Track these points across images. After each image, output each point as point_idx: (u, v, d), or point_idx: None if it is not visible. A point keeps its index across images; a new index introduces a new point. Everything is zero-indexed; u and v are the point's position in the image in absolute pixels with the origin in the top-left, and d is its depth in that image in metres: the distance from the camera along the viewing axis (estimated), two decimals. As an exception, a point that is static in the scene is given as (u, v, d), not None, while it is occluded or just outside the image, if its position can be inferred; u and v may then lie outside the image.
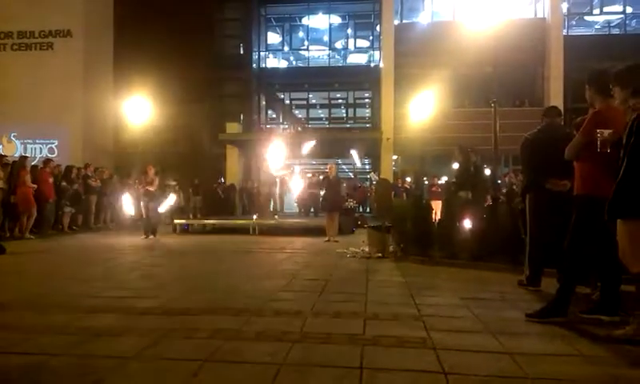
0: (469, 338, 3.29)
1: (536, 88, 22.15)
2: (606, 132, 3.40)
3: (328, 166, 11.89)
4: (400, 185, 19.47)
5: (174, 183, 18.48)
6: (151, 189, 11.06)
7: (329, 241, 10.21)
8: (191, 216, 16.11)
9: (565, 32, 21.75)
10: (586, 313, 3.77)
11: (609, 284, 3.78)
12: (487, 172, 10.80)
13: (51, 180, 11.87)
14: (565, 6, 22.27)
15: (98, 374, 2.57)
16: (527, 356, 2.88)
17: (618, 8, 22.68)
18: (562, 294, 3.72)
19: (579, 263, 3.74)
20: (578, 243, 3.72)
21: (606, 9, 22.78)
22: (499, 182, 10.86)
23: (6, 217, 10.70)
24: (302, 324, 3.57)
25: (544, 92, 21.48)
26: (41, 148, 21.23)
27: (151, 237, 10.90)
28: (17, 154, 17.79)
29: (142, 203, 11.20)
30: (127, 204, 12.11)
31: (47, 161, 12.63)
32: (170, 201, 12.40)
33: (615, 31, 22.64)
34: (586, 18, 23.35)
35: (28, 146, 21.16)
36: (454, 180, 8.31)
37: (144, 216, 11.16)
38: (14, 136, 21.22)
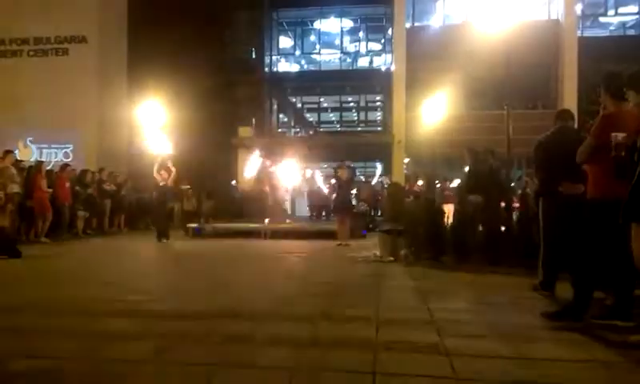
0: (482, 343, 3.27)
1: (550, 90, 21.94)
2: (620, 135, 3.37)
3: (340, 169, 11.86)
4: (408, 188, 19.42)
5: (186, 187, 18.63)
6: (165, 183, 11.06)
7: (340, 245, 10.21)
8: (203, 220, 16.19)
9: (579, 33, 21.53)
10: (598, 318, 3.72)
11: (623, 288, 3.73)
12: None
13: (68, 184, 12.02)
14: (579, 7, 22.04)
15: (111, 378, 2.60)
16: (541, 361, 2.86)
17: (633, 9, 22.40)
18: (578, 298, 3.68)
19: (594, 267, 3.69)
20: (592, 247, 3.69)
21: (620, 10, 22.51)
22: (513, 185, 10.77)
23: (22, 221, 10.86)
24: (314, 328, 3.57)
25: (558, 94, 21.28)
26: (56, 152, 21.52)
27: (164, 240, 10.96)
28: (32, 159, 18.08)
29: (154, 195, 11.21)
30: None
31: (64, 166, 12.79)
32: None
33: (630, 32, 22.36)
34: (601, 19, 23.10)
35: (44, 150, 21.47)
36: (461, 183, 8.28)
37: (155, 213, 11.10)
38: (30, 141, 21.54)
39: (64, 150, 21.52)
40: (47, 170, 11.91)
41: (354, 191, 12.11)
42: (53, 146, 21.59)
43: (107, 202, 13.90)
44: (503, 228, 7.08)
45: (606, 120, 3.75)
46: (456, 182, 17.80)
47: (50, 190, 11.20)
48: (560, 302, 4.65)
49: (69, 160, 19.01)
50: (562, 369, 2.78)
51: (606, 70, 4.19)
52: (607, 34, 22.77)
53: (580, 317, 3.64)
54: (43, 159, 16.23)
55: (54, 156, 21.18)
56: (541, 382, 2.56)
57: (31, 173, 11.12)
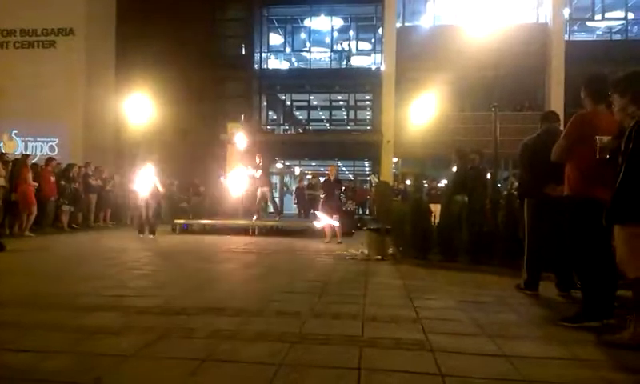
0: (466, 340, 3.30)
1: (537, 93, 22.20)
2: (605, 139, 3.44)
3: (328, 168, 11.87)
4: (395, 187, 19.51)
5: (174, 183, 18.50)
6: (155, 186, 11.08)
7: (329, 242, 10.24)
8: (191, 216, 16.11)
9: (566, 37, 21.80)
10: (567, 320, 3.73)
11: (605, 288, 3.77)
12: (488, 175, 10.83)
13: (53, 178, 11.89)
14: (567, 12, 22.33)
15: (96, 371, 2.58)
16: (524, 359, 2.90)
17: (620, 14, 22.75)
18: (587, 298, 3.70)
19: (590, 264, 3.71)
20: (578, 245, 3.75)
21: (607, 14, 22.84)
22: (499, 185, 10.89)
23: (7, 214, 10.72)
24: (300, 325, 3.58)
25: (545, 97, 21.53)
26: (42, 146, 21.28)
27: (150, 236, 10.90)
28: (17, 152, 17.85)
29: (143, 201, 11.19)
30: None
31: (50, 159, 12.65)
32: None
33: (617, 37, 22.71)
34: (588, 23, 23.41)
35: (29, 143, 21.22)
36: (447, 183, 8.38)
37: (142, 213, 11.12)
38: (14, 133, 21.27)
39: (49, 144, 21.28)
40: (32, 164, 11.76)
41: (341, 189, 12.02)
42: (38, 138, 21.34)
43: (93, 197, 13.78)
44: (488, 228, 7.14)
45: (578, 120, 3.85)
46: (443, 182, 17.97)
47: (36, 184, 11.07)
48: (543, 301, 4.72)
49: (54, 154, 18.85)
50: (545, 366, 2.82)
51: (590, 72, 4.26)
52: (594, 38, 23.08)
53: (597, 317, 3.61)
54: (28, 152, 16.04)
55: (39, 149, 20.94)
56: (524, 380, 2.60)
57: (17, 166, 10.97)
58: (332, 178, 11.09)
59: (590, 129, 3.66)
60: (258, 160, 12.63)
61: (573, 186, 3.86)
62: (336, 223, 10.66)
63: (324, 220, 10.73)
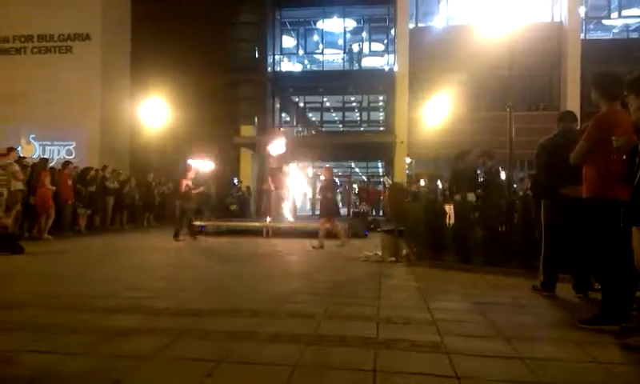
0: (482, 342, 3.28)
1: (552, 92, 21.92)
2: (622, 139, 3.39)
3: (323, 170, 11.30)
4: (409, 189, 19.42)
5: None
6: (192, 191, 11.09)
7: (315, 247, 9.66)
8: (206, 218, 16.21)
9: (582, 36, 21.51)
10: (586, 323, 3.69)
11: (623, 290, 3.73)
12: (503, 176, 10.75)
13: (70, 182, 12.08)
14: (582, 10, 22.02)
15: (115, 374, 2.62)
16: (540, 361, 2.87)
17: (637, 12, 22.37)
18: (608, 300, 3.65)
19: (610, 265, 3.67)
20: (597, 246, 3.71)
21: (624, 12, 22.47)
22: (515, 186, 10.78)
23: (25, 218, 10.91)
24: (315, 326, 3.60)
25: (560, 96, 21.26)
26: (59, 150, 21.60)
27: (182, 239, 10.85)
28: (35, 156, 18.14)
29: (176, 203, 11.19)
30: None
31: (66, 163, 12.84)
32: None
33: (634, 35, 22.33)
34: (604, 21, 23.06)
35: (46, 147, 21.54)
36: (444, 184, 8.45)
37: (177, 217, 11.05)
38: (32, 138, 21.61)
39: (67, 148, 21.58)
40: (50, 168, 11.96)
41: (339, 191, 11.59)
42: (55, 143, 21.65)
43: (110, 200, 13.95)
44: (504, 229, 7.08)
45: (598, 121, 3.80)
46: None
47: (54, 188, 11.26)
48: (560, 302, 4.67)
49: (71, 157, 19.09)
50: (561, 369, 2.80)
51: (598, 72, 4.19)
52: (610, 36, 22.74)
53: (617, 320, 3.56)
54: (46, 156, 16.30)
55: (56, 153, 21.25)
56: (540, 382, 2.58)
57: (35, 170, 11.17)
58: (327, 180, 10.52)
59: (610, 129, 3.60)
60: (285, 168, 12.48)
61: (593, 188, 3.81)
62: (332, 226, 10.10)
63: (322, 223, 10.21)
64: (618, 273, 3.60)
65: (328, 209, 10.32)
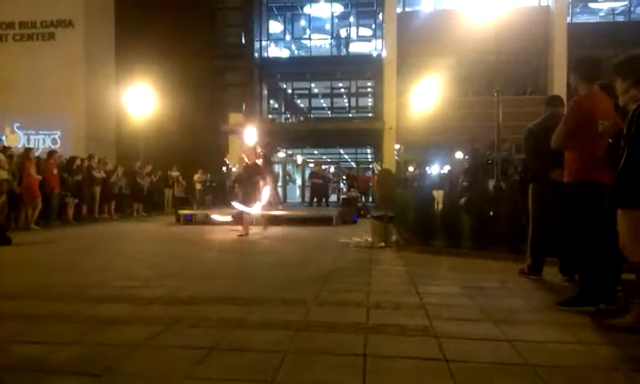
0: (470, 326, 3.33)
1: (539, 77, 22.06)
2: (607, 123, 3.43)
3: (244, 151, 10.72)
4: (404, 176, 19.50)
5: (176, 174, 18.57)
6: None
7: (245, 235, 9.30)
8: (195, 207, 16.17)
9: (569, 20, 21.60)
10: (564, 304, 3.77)
11: (608, 272, 3.80)
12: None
13: (56, 171, 11.94)
14: (569, -6, 22.11)
15: (106, 361, 2.62)
16: (528, 344, 2.92)
17: (622, -5, 22.53)
18: (585, 282, 3.73)
19: (589, 249, 3.73)
20: (578, 230, 3.76)
21: (610, -4, 22.62)
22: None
23: (12, 208, 10.78)
24: (306, 313, 3.62)
25: (548, 81, 21.40)
26: (44, 139, 21.32)
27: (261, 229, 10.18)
28: (20, 145, 17.88)
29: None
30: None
31: (52, 152, 12.68)
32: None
33: (620, 18, 22.48)
34: (591, 5, 23.19)
35: (31, 136, 21.24)
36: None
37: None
38: (17, 127, 21.29)
39: (52, 137, 21.31)
40: (36, 157, 11.80)
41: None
42: (40, 132, 21.36)
43: (97, 189, 13.83)
44: (491, 213, 7.15)
45: (576, 105, 3.83)
46: (447, 168, 17.94)
47: (40, 177, 11.12)
48: (547, 285, 4.74)
49: (57, 146, 18.86)
50: (549, 351, 2.85)
51: (578, 55, 4.23)
52: (597, 20, 22.86)
53: (592, 300, 3.65)
54: (31, 146, 16.07)
55: (41, 142, 20.98)
56: (527, 364, 2.63)
57: (20, 159, 11.02)
58: (250, 162, 9.85)
59: (588, 113, 3.65)
60: (259, 150, 12.41)
61: (573, 172, 3.86)
62: (257, 211, 9.82)
63: (242, 208, 9.82)
64: (595, 256, 3.66)
65: (247, 193, 9.84)
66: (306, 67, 25.38)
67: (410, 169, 21.74)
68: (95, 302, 3.99)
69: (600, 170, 3.60)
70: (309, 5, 25.57)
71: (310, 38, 25.95)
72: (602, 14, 23.10)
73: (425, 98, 19.19)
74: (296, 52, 26.41)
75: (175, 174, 18.58)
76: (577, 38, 20.00)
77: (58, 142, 20.82)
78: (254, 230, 9.83)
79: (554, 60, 21.04)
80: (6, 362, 2.65)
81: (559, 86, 19.77)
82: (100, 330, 3.20)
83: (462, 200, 7.65)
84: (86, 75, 21.04)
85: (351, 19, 25.85)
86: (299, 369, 2.55)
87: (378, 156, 23.61)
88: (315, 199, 18.28)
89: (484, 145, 8.17)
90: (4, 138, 19.52)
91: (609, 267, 3.76)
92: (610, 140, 3.44)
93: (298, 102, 27.57)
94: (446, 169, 18.11)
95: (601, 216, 3.49)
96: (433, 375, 2.47)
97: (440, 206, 8.38)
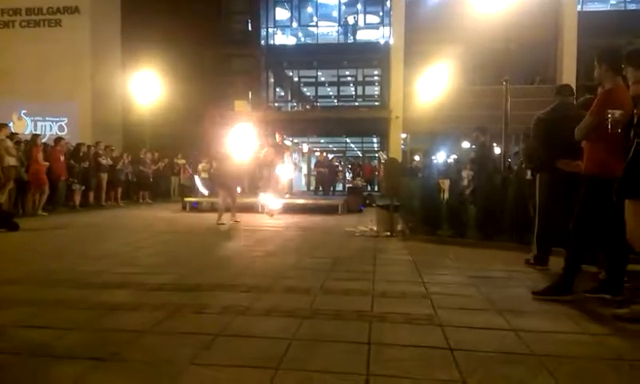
0: (475, 315, 3.33)
1: (549, 65, 21.81)
2: (617, 112, 3.37)
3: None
4: (410, 166, 19.42)
5: (182, 161, 18.59)
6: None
7: (222, 223, 9.34)
8: (200, 194, 16.19)
9: (579, 8, 21.30)
10: (590, 292, 3.79)
11: (615, 263, 3.79)
12: (497, 151, 10.76)
13: (63, 158, 11.99)
14: (579, -19, 21.78)
15: (112, 347, 2.64)
16: (533, 333, 2.92)
17: (635, -18, 22.16)
18: (567, 272, 3.74)
19: (584, 242, 3.74)
20: (584, 222, 3.73)
21: (622, -17, 22.27)
22: (509, 160, 10.80)
23: (19, 194, 10.85)
24: (311, 301, 3.63)
25: (557, 69, 21.16)
26: (51, 125, 21.39)
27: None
28: (27, 132, 17.97)
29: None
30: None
31: (58, 139, 12.73)
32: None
33: (631, 6, 22.13)
34: (602, -8, 22.84)
35: (38, 123, 21.32)
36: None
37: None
38: (24, 113, 21.36)
39: (59, 123, 21.37)
40: (43, 144, 11.85)
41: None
42: (47, 118, 21.42)
43: (103, 176, 13.89)
44: (497, 203, 7.11)
45: (606, 96, 3.73)
46: (453, 157, 17.86)
47: (47, 164, 11.18)
48: (553, 276, 4.72)
49: (63, 133, 18.92)
50: (553, 341, 2.84)
51: (605, 45, 4.14)
52: (608, 8, 22.52)
53: (569, 290, 3.69)
54: (38, 132, 16.14)
55: (48, 129, 21.06)
56: (532, 354, 2.62)
57: (27, 146, 11.07)
58: (223, 150, 9.80)
59: (618, 105, 3.54)
60: (277, 138, 12.18)
61: (595, 164, 3.73)
62: (228, 200, 9.76)
63: (218, 196, 9.80)
64: (618, 249, 3.64)
65: (222, 182, 9.82)
66: (312, 55, 25.19)
67: (416, 158, 21.64)
68: (101, 288, 4.02)
69: (618, 163, 3.51)
70: (316, -9, 25.35)
71: (316, 26, 25.73)
72: (612, 2, 22.76)
73: (432, 86, 19.06)
74: (303, 39, 26.21)
75: (181, 161, 18.60)
76: (587, 26, 19.72)
77: (65, 128, 20.88)
78: (264, 220, 9.75)
79: (563, 48, 20.77)
80: (12, 346, 2.68)
81: (568, 74, 19.55)
82: (106, 316, 3.23)
83: (468, 190, 7.63)
84: (92, 62, 21.03)
85: (358, 6, 25.59)
86: (304, 356, 2.56)
87: (384, 145, 23.50)
88: (321, 188, 18.26)
89: (487, 136, 8.09)
90: (11, 124, 19.61)
91: (617, 259, 3.74)
92: (620, 130, 3.39)
93: (305, 90, 27.43)
94: (452, 158, 18.04)
95: (613, 209, 3.45)
96: (437, 364, 2.47)
97: (446, 196, 8.35)
